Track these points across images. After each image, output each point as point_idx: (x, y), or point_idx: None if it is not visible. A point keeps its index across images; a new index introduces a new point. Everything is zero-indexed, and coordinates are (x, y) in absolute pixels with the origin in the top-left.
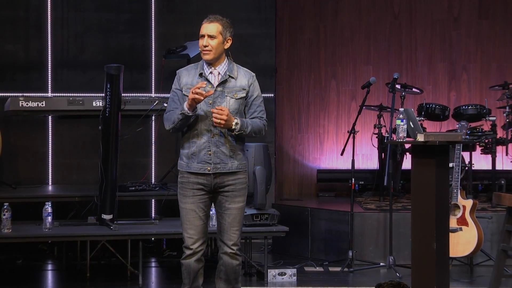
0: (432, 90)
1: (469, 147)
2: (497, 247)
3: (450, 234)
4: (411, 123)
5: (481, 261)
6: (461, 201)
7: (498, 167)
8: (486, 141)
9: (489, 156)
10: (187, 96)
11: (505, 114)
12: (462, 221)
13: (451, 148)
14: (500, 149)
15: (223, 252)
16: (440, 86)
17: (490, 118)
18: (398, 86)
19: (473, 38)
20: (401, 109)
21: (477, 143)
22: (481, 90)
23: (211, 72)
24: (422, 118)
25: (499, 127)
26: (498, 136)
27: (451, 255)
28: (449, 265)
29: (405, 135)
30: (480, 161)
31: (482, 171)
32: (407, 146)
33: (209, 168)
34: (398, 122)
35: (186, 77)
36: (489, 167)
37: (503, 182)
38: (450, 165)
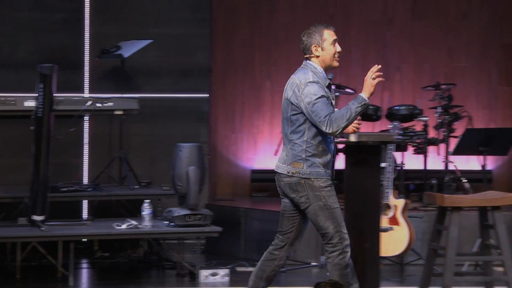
0: None
1: (401, 147)
2: (428, 246)
3: (382, 233)
4: None
5: (411, 260)
6: (392, 200)
7: (430, 167)
8: (418, 141)
9: (421, 156)
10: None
11: (437, 115)
12: (393, 221)
13: (384, 148)
14: (431, 149)
15: (287, 254)
16: None
17: (422, 118)
18: (332, 87)
19: (406, 39)
20: (335, 110)
21: (409, 143)
22: (413, 90)
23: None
24: None
25: (431, 128)
26: (430, 137)
27: (382, 254)
28: (380, 264)
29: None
30: (412, 161)
31: (414, 171)
32: (340, 146)
33: (332, 174)
34: None
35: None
36: (421, 167)
37: (434, 182)
38: (383, 165)
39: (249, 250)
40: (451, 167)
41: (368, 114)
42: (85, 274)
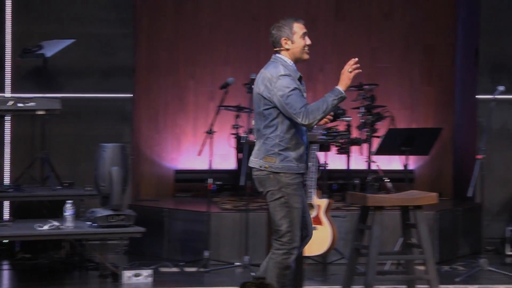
0: None
1: (325, 147)
2: (351, 246)
3: None
4: None
5: (334, 260)
6: (316, 200)
7: (353, 167)
8: (341, 141)
9: (344, 156)
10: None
11: (360, 115)
12: (317, 220)
13: None
14: (354, 149)
15: (302, 246)
16: None
17: (345, 118)
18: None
19: (330, 39)
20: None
21: (332, 143)
22: None
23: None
24: None
25: (354, 128)
26: (353, 137)
27: (305, 254)
28: (304, 264)
29: None
30: (335, 161)
31: (337, 171)
32: None
33: (306, 166)
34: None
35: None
36: (344, 167)
37: (357, 181)
38: None
39: (172, 251)
40: (373, 167)
41: None
42: (6, 275)
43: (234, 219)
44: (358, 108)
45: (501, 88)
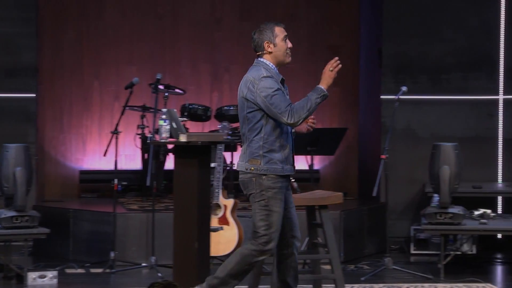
0: (195, 91)
1: (231, 147)
2: None
3: (212, 233)
4: (174, 123)
5: None
6: (222, 200)
7: None
8: None
9: None
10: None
11: None
12: (223, 220)
13: (213, 148)
14: None
15: (294, 247)
16: (203, 86)
17: None
18: (161, 87)
19: (235, 40)
20: (164, 110)
21: (238, 144)
22: None
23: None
24: (185, 119)
25: None
26: None
27: (212, 254)
28: (211, 264)
29: (168, 136)
30: None
31: None
32: (170, 146)
33: (292, 168)
34: (161, 122)
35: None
36: None
37: None
38: (212, 165)
39: (78, 252)
40: None
41: (197, 114)
42: None
43: (140, 220)
44: None
45: (404, 88)
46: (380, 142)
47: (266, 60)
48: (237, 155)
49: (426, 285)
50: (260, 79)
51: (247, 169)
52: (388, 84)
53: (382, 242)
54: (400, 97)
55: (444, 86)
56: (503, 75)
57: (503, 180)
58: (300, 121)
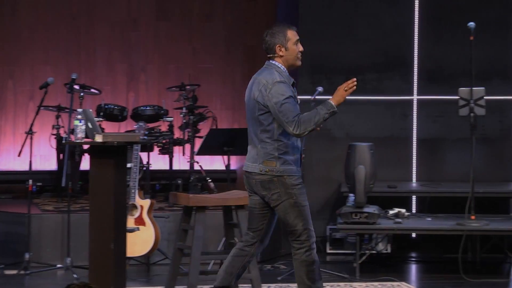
0: (111, 91)
1: (147, 148)
2: (174, 246)
3: (128, 234)
4: (89, 123)
5: (158, 260)
6: (138, 201)
7: (176, 167)
8: (164, 141)
9: (167, 156)
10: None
11: (182, 115)
12: (139, 221)
13: (129, 148)
14: (177, 150)
15: (258, 250)
16: (119, 87)
17: (167, 118)
18: (76, 87)
19: (151, 40)
20: (80, 110)
21: (155, 144)
22: (159, 91)
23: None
24: (101, 119)
25: (176, 128)
26: (175, 137)
27: (128, 254)
28: (127, 265)
29: (84, 136)
30: (158, 161)
31: (159, 171)
32: (86, 146)
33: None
34: (76, 122)
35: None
36: (167, 167)
37: (180, 181)
38: (128, 165)
39: None
40: (196, 167)
41: (113, 114)
42: None
43: (55, 221)
44: (180, 108)
45: (320, 89)
46: None
47: (278, 63)
48: (154, 155)
49: (341, 284)
50: (273, 83)
51: (261, 171)
52: (304, 84)
53: None
54: (316, 97)
55: (360, 86)
56: (417, 76)
57: (417, 180)
58: (306, 133)
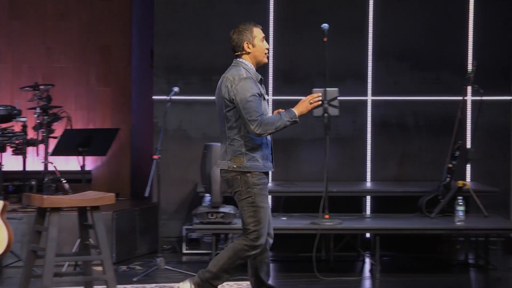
0: None
1: (0, 149)
2: (27, 248)
3: None
4: None
5: (10, 263)
6: None
7: (29, 168)
8: (17, 142)
9: (20, 157)
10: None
11: (36, 115)
12: None
13: None
14: (31, 150)
15: (268, 244)
16: None
17: (20, 119)
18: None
19: (4, 39)
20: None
21: (8, 144)
22: (12, 91)
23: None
24: None
25: (30, 128)
26: (29, 137)
27: None
28: None
29: None
30: (11, 162)
31: (12, 172)
32: None
33: (272, 165)
34: None
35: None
36: (20, 168)
37: (34, 182)
38: None
39: None
40: (50, 167)
41: None
42: None
43: None
44: (34, 108)
45: (176, 89)
46: (152, 143)
47: (245, 60)
48: (7, 156)
49: None
50: (239, 79)
51: (229, 167)
52: (160, 84)
53: (155, 242)
54: (172, 97)
55: (215, 87)
56: (273, 76)
57: (272, 180)
58: (265, 135)
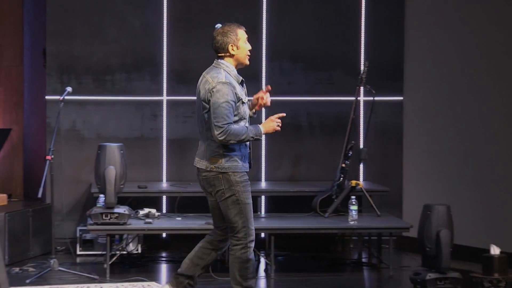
0: None
1: None
2: None
3: None
4: None
5: None
6: None
7: None
8: None
9: None
10: (242, 104)
11: None
12: None
13: None
14: None
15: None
16: None
17: None
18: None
19: None
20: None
21: None
22: None
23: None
24: None
25: None
26: None
27: None
28: None
29: None
30: None
31: None
32: None
33: (249, 166)
34: None
35: (236, 86)
36: None
37: None
38: None
39: None
40: None
41: None
42: None
43: None
44: None
45: (69, 89)
46: (45, 143)
47: (227, 62)
48: None
49: (91, 285)
50: (217, 83)
51: (207, 167)
52: (53, 84)
53: (48, 243)
54: (65, 97)
55: (109, 87)
56: (166, 76)
57: (167, 180)
58: (224, 143)
